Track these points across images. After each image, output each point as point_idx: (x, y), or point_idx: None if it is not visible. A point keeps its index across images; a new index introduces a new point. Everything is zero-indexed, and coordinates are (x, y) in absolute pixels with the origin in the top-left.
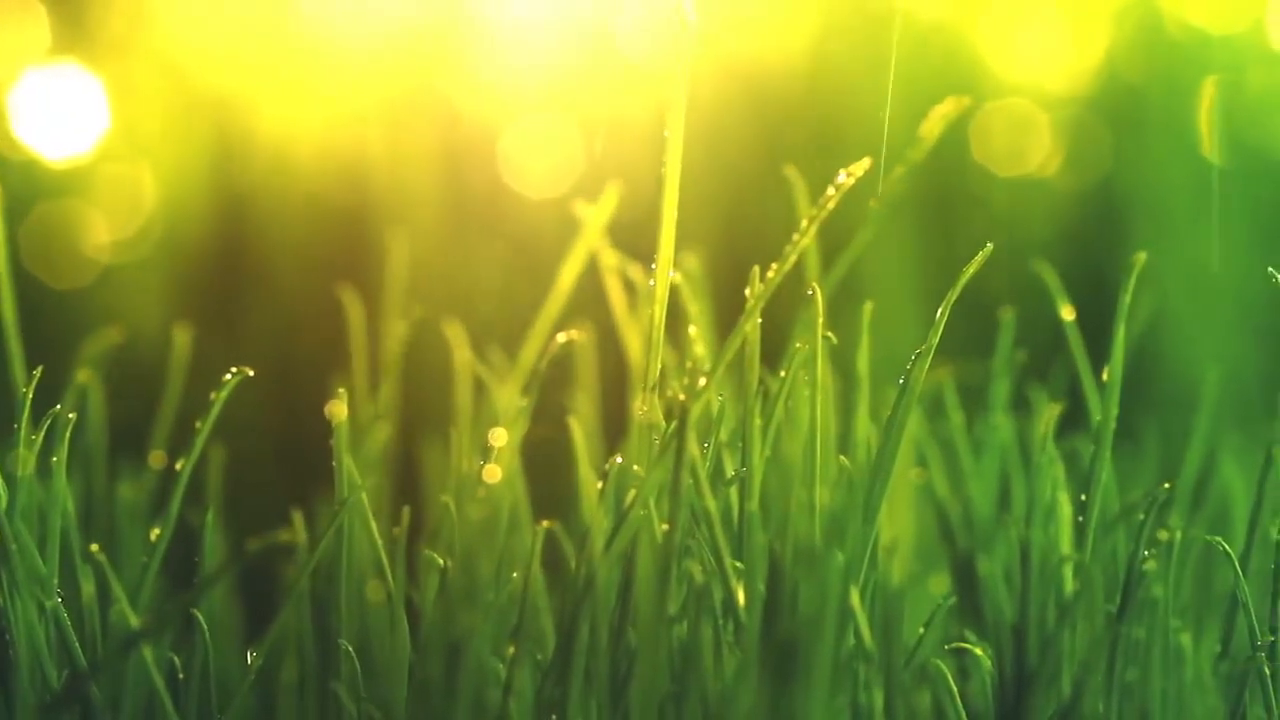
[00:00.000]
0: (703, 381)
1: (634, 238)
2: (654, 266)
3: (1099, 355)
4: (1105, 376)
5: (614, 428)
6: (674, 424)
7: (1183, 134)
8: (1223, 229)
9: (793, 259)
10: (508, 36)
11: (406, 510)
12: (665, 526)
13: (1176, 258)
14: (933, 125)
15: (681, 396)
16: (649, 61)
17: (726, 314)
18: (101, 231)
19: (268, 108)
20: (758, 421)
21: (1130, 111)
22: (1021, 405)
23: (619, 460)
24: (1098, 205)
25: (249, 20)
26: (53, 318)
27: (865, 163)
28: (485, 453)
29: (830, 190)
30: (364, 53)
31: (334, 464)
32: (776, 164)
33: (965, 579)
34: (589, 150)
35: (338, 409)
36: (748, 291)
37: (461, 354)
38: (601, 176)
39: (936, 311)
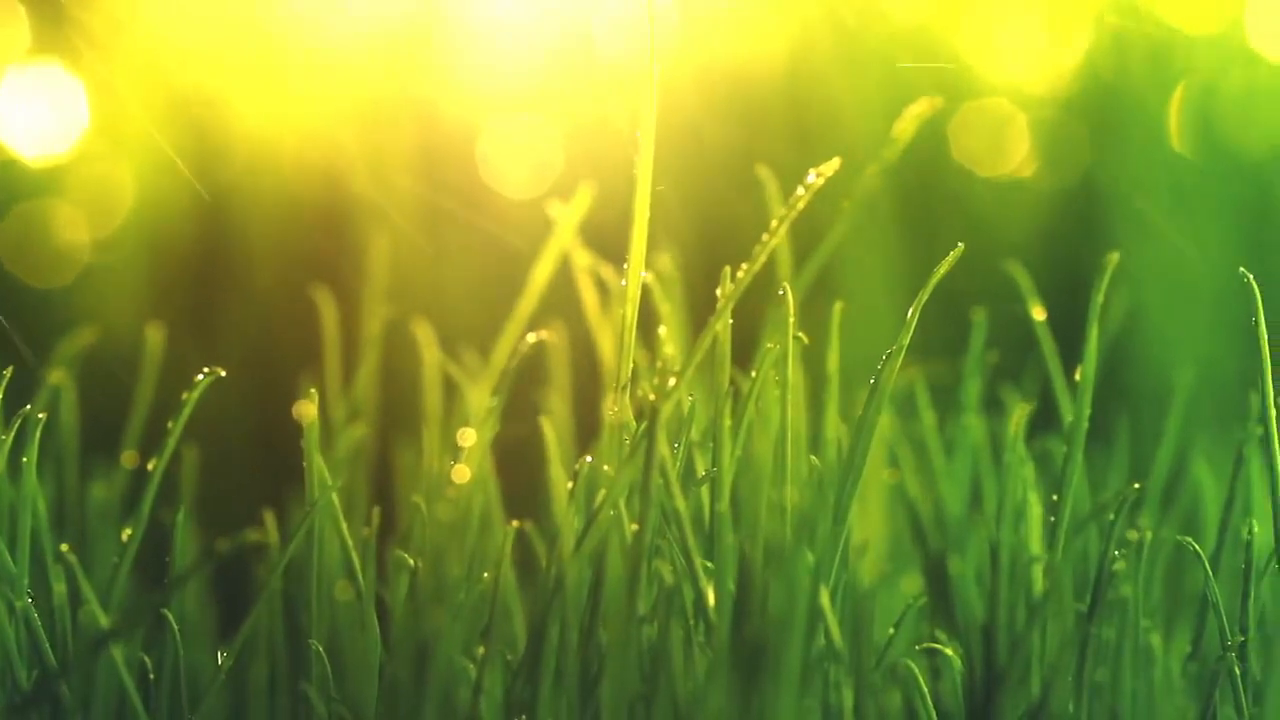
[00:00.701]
0: (673, 381)
1: (613, 237)
2: (626, 266)
3: (1075, 355)
4: (1078, 377)
5: (588, 428)
6: (644, 424)
7: (1161, 134)
8: (1200, 229)
9: (763, 259)
10: (485, 37)
11: (376, 510)
12: (635, 527)
13: (1154, 258)
14: (906, 125)
15: (652, 396)
16: (626, 62)
17: (702, 314)
18: (79, 230)
19: (245, 108)
20: (728, 421)
21: (1108, 111)
22: (996, 405)
23: (589, 460)
24: (1076, 205)
25: (227, 20)
26: (30, 317)
27: (835, 163)
28: (457, 453)
29: (800, 190)
30: (341, 53)
31: (304, 465)
32: (754, 164)
33: (937, 579)
34: (567, 151)
35: (307, 409)
36: (718, 291)
37: (431, 354)
38: (579, 177)
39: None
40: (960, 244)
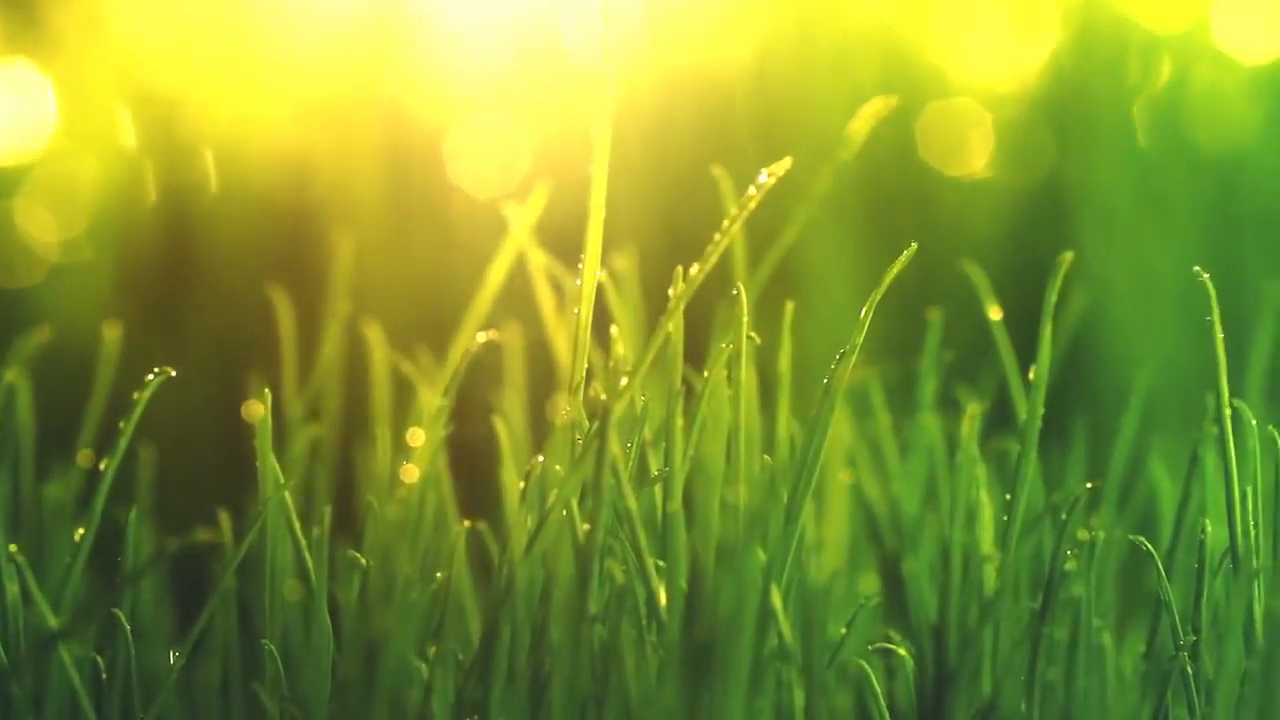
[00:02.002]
0: (624, 381)
1: (578, 238)
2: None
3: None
4: (1031, 376)
5: (545, 427)
6: (596, 424)
7: (1126, 134)
8: (1165, 228)
9: (714, 258)
10: (449, 36)
11: (327, 510)
12: (587, 526)
13: (1119, 257)
14: (861, 124)
15: (603, 396)
16: (592, 62)
17: (661, 314)
18: (43, 230)
19: (209, 107)
20: (680, 421)
21: (1073, 111)
22: (957, 406)
23: (541, 460)
24: (1042, 205)
25: (191, 20)
26: None
27: (786, 162)
28: (411, 452)
29: (752, 190)
30: (304, 53)
31: (258, 464)
32: (717, 165)
33: (892, 579)
34: (534, 150)
35: (256, 408)
36: (671, 291)
37: (380, 353)
38: (546, 176)
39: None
40: (914, 244)
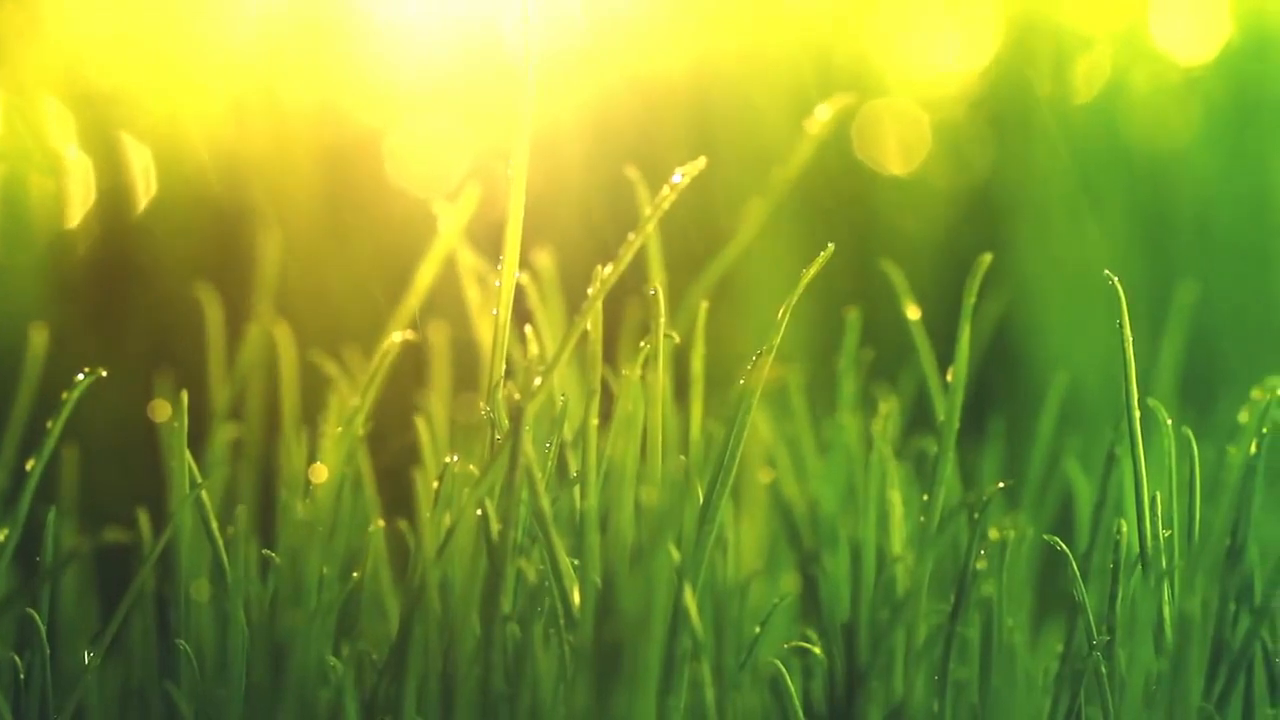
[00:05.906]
0: (539, 380)
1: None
2: (511, 267)
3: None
4: (949, 377)
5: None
6: (510, 423)
7: (1063, 135)
8: (1098, 229)
9: (629, 257)
10: (384, 37)
11: (243, 509)
12: (500, 526)
13: (1054, 257)
14: (820, 124)
15: (517, 396)
16: (523, 63)
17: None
18: None
19: (144, 106)
20: (595, 421)
21: (1008, 112)
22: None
23: (455, 460)
24: (976, 205)
25: (126, 19)
26: None
27: (701, 162)
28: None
29: (666, 189)
30: (236, 53)
31: (171, 464)
32: (660, 166)
33: (809, 579)
34: (472, 151)
35: (162, 408)
36: (589, 290)
37: (289, 354)
38: (483, 178)
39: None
40: (831, 245)
